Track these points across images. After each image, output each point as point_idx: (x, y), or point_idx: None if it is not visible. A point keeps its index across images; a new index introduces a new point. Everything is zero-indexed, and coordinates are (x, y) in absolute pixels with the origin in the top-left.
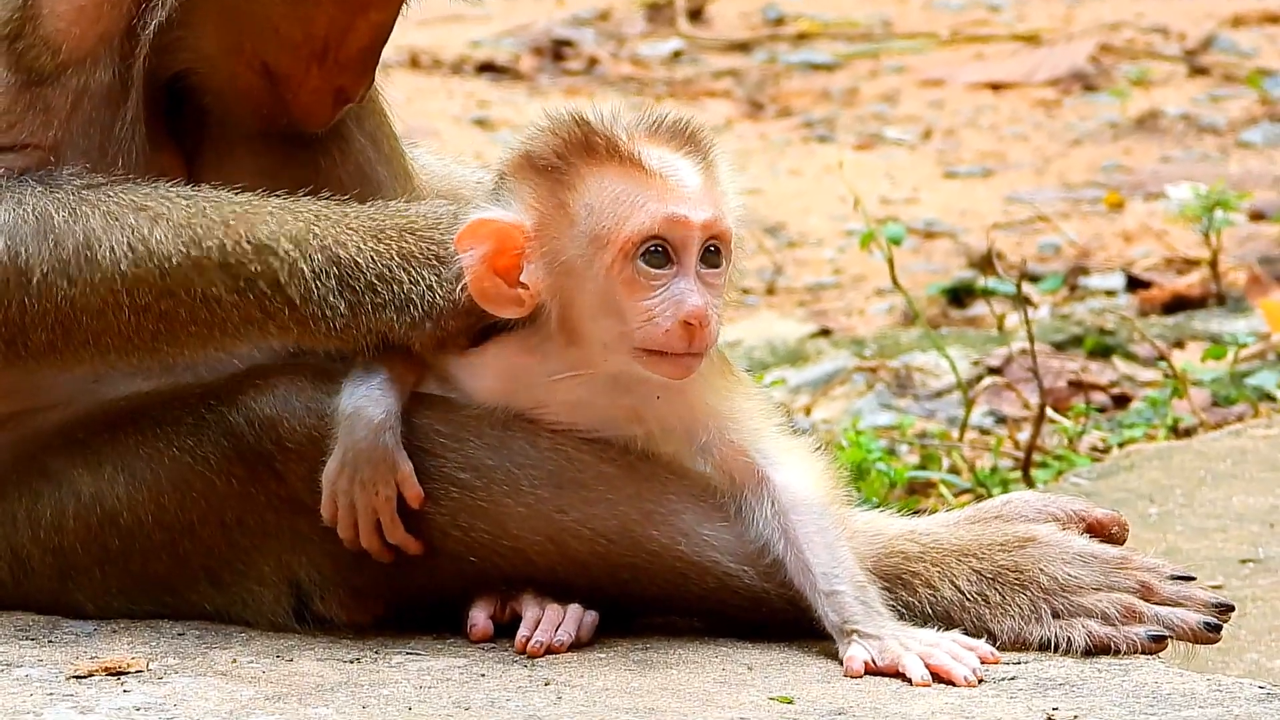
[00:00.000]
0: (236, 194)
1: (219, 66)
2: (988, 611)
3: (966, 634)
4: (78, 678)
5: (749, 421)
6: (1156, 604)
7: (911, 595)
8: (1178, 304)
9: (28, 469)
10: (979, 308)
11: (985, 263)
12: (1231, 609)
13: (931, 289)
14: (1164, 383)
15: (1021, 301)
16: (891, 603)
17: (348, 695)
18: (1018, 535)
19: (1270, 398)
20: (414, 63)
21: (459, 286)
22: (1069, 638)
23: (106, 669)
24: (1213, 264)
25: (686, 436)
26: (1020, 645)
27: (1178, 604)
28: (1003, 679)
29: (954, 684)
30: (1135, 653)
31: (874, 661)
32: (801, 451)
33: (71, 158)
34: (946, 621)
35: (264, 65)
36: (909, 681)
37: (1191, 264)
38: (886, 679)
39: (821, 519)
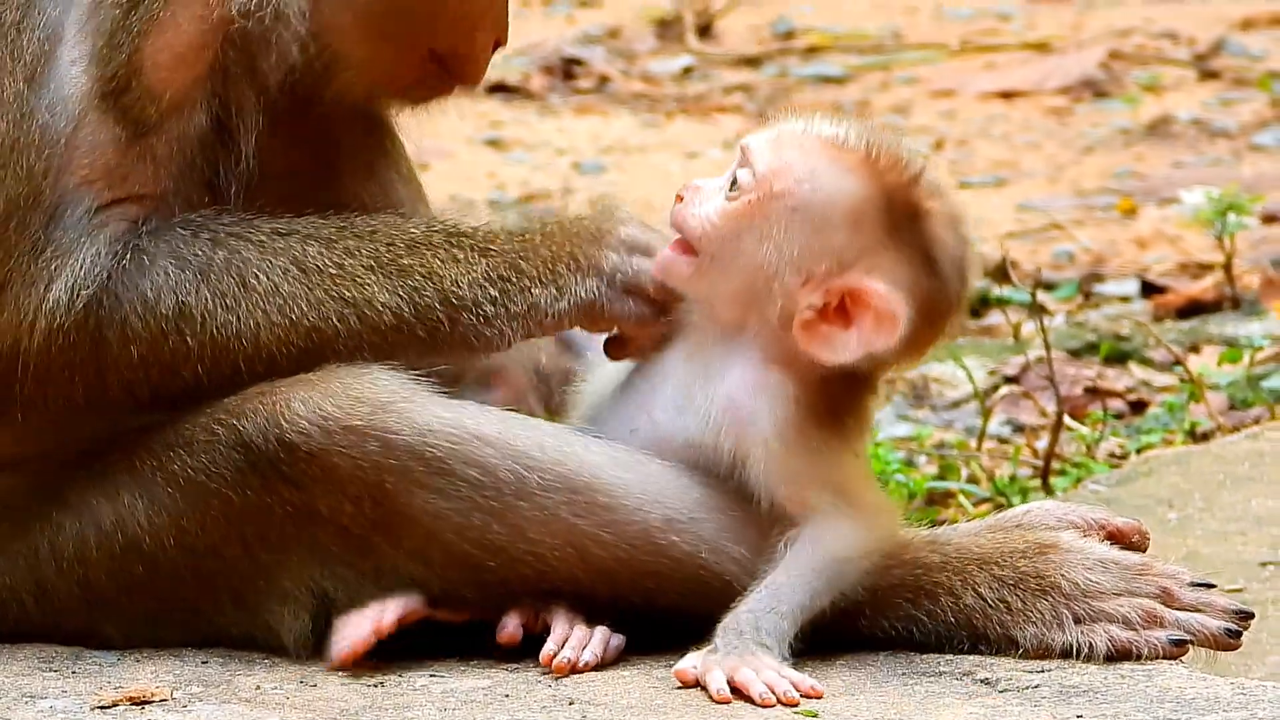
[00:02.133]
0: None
1: (370, 72)
2: (1009, 618)
3: (990, 642)
4: (102, 708)
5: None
6: (1177, 610)
7: (934, 604)
8: (1192, 308)
9: (48, 501)
10: (994, 317)
11: (1000, 272)
12: (1252, 615)
13: None
14: (1180, 387)
15: (1037, 309)
16: (915, 613)
17: (372, 719)
18: (1039, 542)
19: None
20: None
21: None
22: (1090, 643)
23: (131, 699)
24: (1227, 268)
25: (776, 474)
26: (1044, 651)
27: (1198, 609)
28: (1026, 687)
29: (751, 700)
30: (1156, 657)
31: (694, 668)
32: (857, 507)
33: (178, 202)
34: (969, 629)
35: (431, 51)
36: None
37: (1205, 268)
38: (920, 691)
39: (814, 556)
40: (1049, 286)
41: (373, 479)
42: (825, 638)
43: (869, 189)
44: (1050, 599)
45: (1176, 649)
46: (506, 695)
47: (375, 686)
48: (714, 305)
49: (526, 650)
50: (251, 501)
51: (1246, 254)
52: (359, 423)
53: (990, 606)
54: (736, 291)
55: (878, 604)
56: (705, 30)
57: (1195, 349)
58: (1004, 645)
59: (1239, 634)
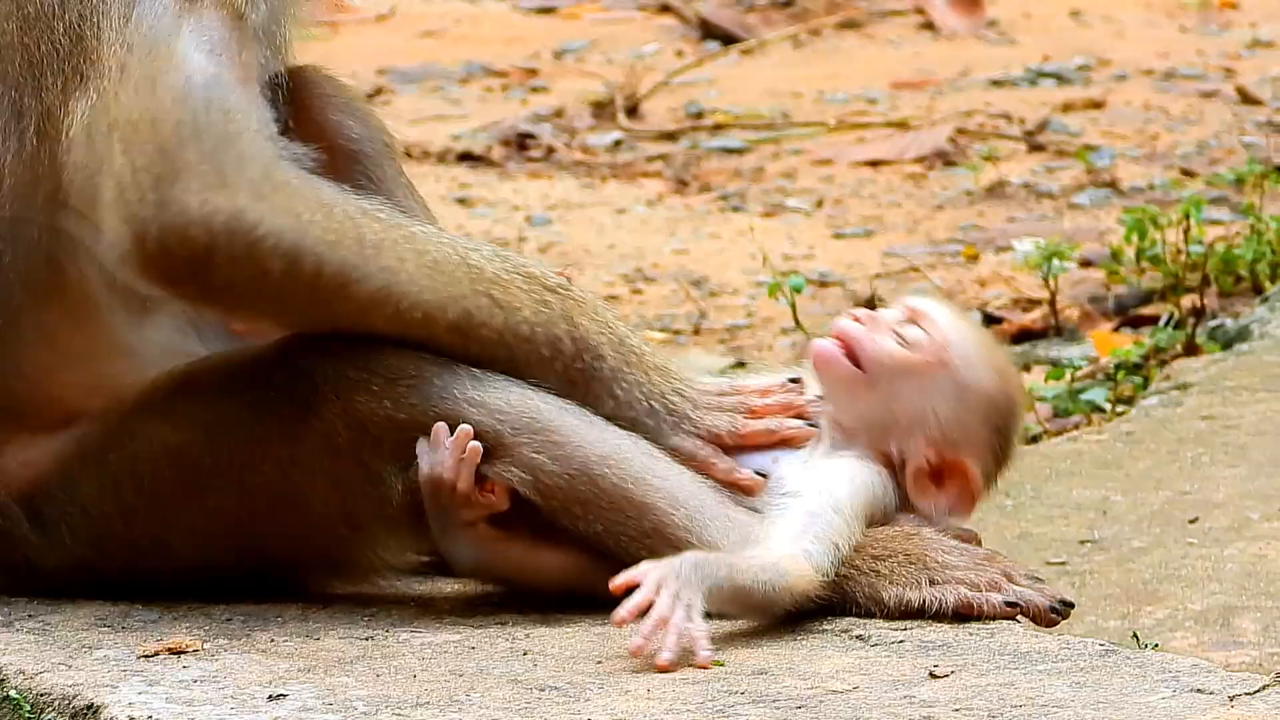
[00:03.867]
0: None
1: None
2: (878, 581)
3: (859, 603)
4: (146, 657)
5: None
6: (1014, 585)
7: None
8: (1024, 335)
9: (119, 432)
10: None
11: (869, 305)
12: (1072, 606)
13: (826, 328)
14: None
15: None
16: None
17: (364, 666)
18: (906, 532)
19: (1100, 409)
20: (408, 154)
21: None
22: (941, 598)
23: (169, 649)
24: (1051, 303)
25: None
26: (904, 608)
27: (1030, 589)
28: (892, 642)
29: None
30: (994, 617)
31: (643, 577)
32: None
33: None
34: (842, 592)
35: None
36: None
37: (1034, 303)
38: (806, 645)
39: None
40: None
41: None
42: None
43: (1001, 391)
44: (914, 568)
45: (1010, 609)
46: (473, 647)
47: (367, 640)
48: (845, 415)
49: (489, 610)
50: (281, 430)
51: (1067, 292)
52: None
53: (862, 572)
54: (874, 418)
55: None
56: (632, 111)
57: (1027, 368)
58: (870, 605)
59: (1060, 617)
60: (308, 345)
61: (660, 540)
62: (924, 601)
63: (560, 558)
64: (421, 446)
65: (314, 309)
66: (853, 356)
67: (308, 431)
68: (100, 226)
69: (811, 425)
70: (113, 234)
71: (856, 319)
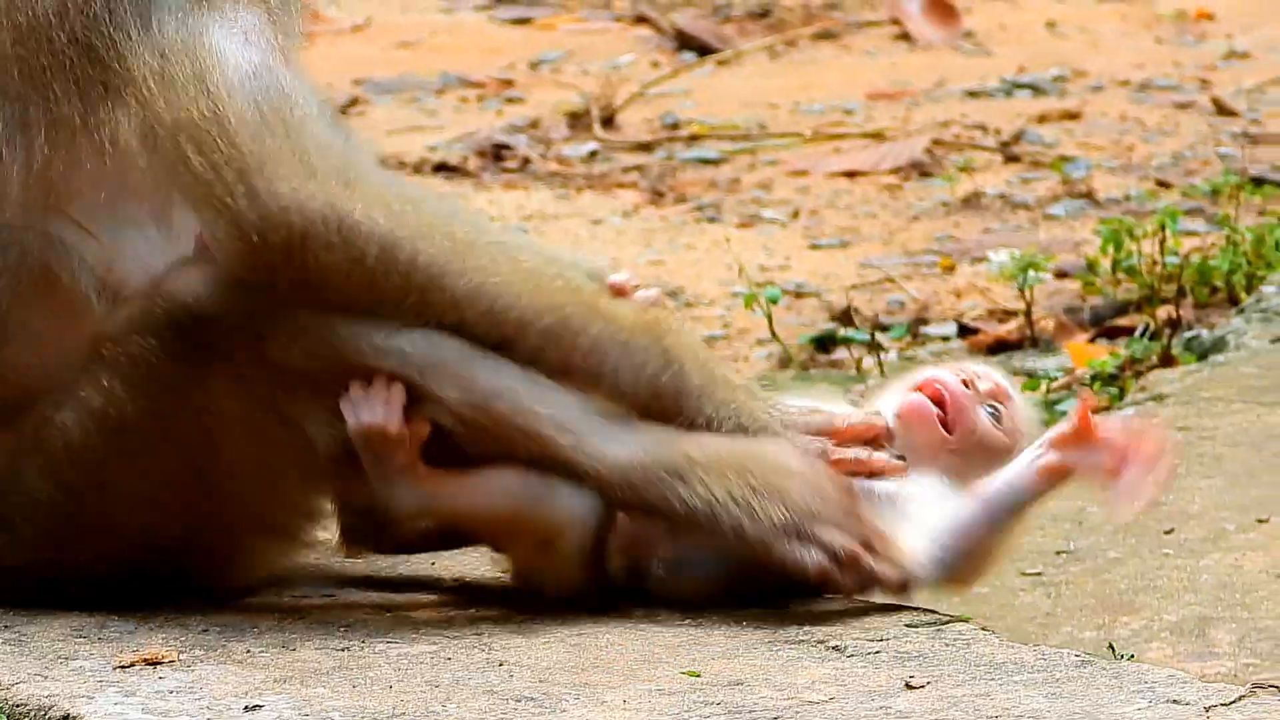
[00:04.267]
0: None
1: None
2: (746, 521)
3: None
4: (122, 667)
5: None
6: (871, 561)
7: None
8: (1000, 346)
9: (49, 411)
10: (841, 353)
11: (845, 316)
12: (909, 588)
13: (802, 339)
14: None
15: (875, 347)
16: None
17: (340, 677)
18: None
19: None
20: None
21: None
22: (802, 560)
23: (145, 660)
24: (1027, 314)
25: None
26: (764, 552)
27: (884, 557)
28: (869, 653)
29: None
30: (845, 594)
31: None
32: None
33: None
34: (710, 521)
35: None
36: None
37: (1010, 314)
38: (782, 655)
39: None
40: (884, 328)
41: None
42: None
43: None
44: (782, 512)
45: (860, 592)
46: (449, 658)
47: (343, 651)
48: (916, 465)
49: (465, 621)
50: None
51: (1043, 303)
52: None
53: (736, 505)
54: (942, 471)
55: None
56: (608, 121)
57: None
58: (734, 537)
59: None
60: (215, 297)
61: (555, 463)
62: (784, 556)
63: (493, 487)
64: (345, 403)
65: (407, 296)
66: (943, 417)
67: (220, 377)
68: (170, 225)
69: (899, 458)
70: (208, 230)
71: (965, 382)
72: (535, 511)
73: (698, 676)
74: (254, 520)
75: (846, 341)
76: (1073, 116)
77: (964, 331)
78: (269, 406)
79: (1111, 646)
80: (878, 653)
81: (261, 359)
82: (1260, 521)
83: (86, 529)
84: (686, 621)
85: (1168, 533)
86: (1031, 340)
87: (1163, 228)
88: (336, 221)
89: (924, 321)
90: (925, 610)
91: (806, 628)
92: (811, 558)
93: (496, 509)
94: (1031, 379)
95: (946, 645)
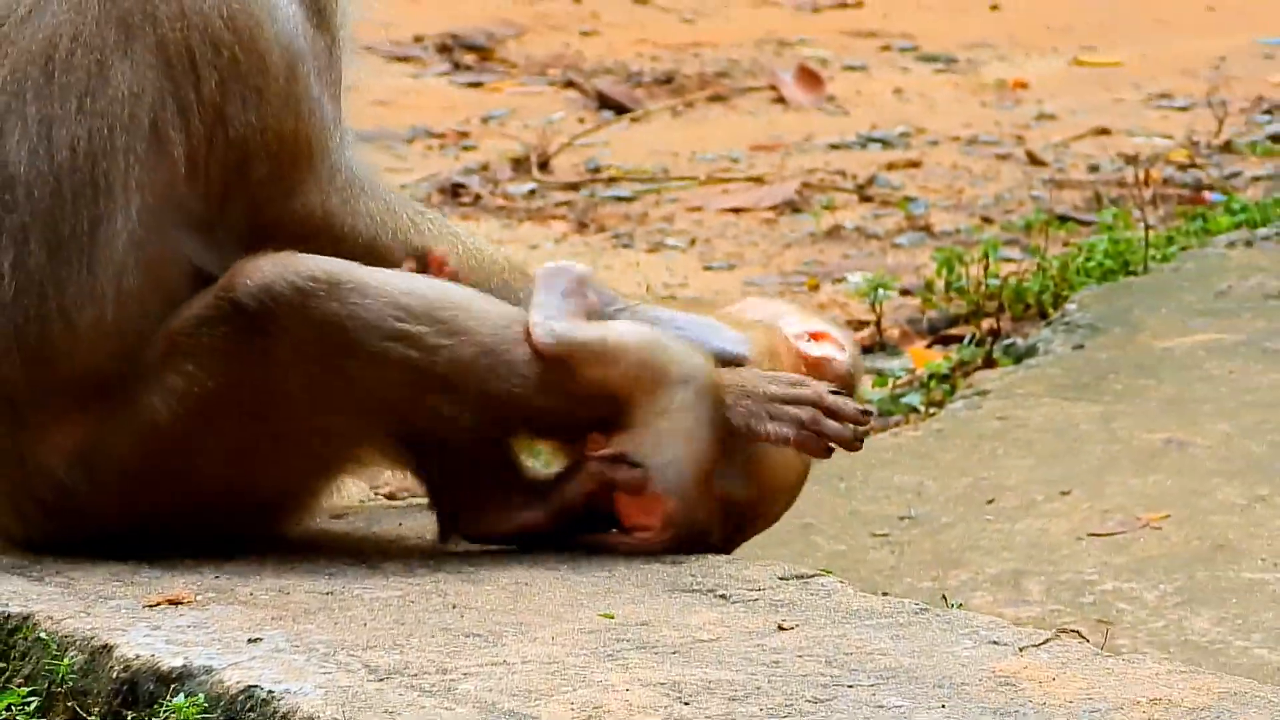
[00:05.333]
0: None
1: None
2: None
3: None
4: (150, 606)
5: None
6: (829, 420)
7: None
8: None
9: (138, 390)
10: None
11: None
12: (870, 414)
13: None
14: None
15: None
16: None
17: (325, 616)
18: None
19: (916, 411)
20: None
21: None
22: (783, 433)
23: (169, 600)
24: (877, 324)
25: None
26: (751, 434)
27: (838, 416)
28: (749, 600)
29: None
30: (818, 456)
31: None
32: None
33: None
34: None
35: None
36: None
37: (863, 324)
38: (680, 602)
39: None
40: None
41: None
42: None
43: None
44: (751, 401)
45: (827, 455)
46: (412, 601)
47: (327, 594)
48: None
49: (425, 572)
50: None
51: (890, 315)
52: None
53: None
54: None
55: None
56: (544, 165)
57: None
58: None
59: (863, 438)
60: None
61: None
62: (768, 433)
63: (625, 328)
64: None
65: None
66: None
67: (281, 350)
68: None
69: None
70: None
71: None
72: (659, 356)
73: (612, 618)
74: (316, 470)
75: None
76: (914, 165)
77: None
78: (325, 365)
79: (944, 596)
80: (756, 600)
81: (311, 319)
82: (1063, 494)
83: (169, 491)
84: (603, 573)
85: (989, 502)
86: (880, 345)
87: (986, 255)
88: (328, 233)
89: None
90: (794, 567)
91: (699, 579)
92: (788, 431)
93: (628, 348)
94: (880, 377)
95: (812, 595)
